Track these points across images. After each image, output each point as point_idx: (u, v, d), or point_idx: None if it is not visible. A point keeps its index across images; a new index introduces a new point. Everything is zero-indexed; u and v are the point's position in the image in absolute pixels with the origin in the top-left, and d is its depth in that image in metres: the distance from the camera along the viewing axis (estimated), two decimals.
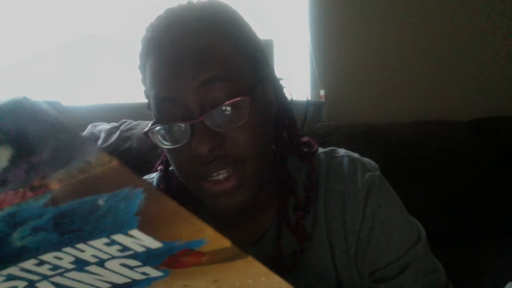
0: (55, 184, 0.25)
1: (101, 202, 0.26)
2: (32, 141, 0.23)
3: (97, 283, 0.33)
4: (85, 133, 1.06)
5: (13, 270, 0.31)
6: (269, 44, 1.29)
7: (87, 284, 0.33)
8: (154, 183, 0.66)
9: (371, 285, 0.59)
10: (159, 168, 0.65)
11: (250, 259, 0.32)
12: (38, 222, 0.27)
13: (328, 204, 0.59)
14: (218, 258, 0.32)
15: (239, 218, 0.59)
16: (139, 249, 0.30)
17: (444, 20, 1.62)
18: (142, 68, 0.55)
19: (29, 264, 0.31)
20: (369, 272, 0.58)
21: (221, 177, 0.50)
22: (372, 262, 0.58)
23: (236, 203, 0.52)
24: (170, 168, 0.63)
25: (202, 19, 0.51)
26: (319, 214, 0.59)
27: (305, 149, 0.62)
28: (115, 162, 0.24)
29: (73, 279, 0.33)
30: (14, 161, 0.23)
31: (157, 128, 0.50)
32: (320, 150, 0.64)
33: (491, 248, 1.14)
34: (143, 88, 0.57)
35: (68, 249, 0.30)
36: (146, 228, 0.29)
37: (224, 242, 0.30)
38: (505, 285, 0.52)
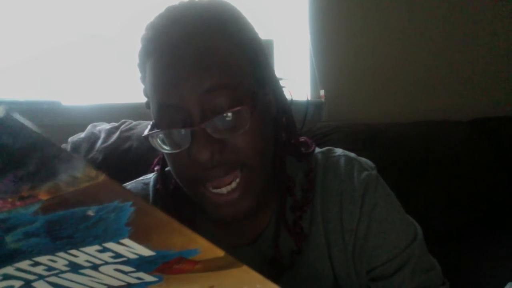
0: (43, 195, 0.25)
1: (91, 213, 0.27)
2: (16, 156, 0.23)
3: (93, 285, 0.33)
4: (85, 133, 1.06)
5: (8, 270, 0.31)
6: (269, 44, 1.29)
7: (83, 285, 0.33)
8: (151, 183, 0.66)
9: (368, 283, 0.60)
10: (155, 168, 0.65)
11: (245, 267, 0.32)
12: (29, 228, 0.27)
13: (325, 203, 0.59)
14: (212, 266, 0.32)
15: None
16: (132, 256, 0.31)
17: (444, 20, 1.62)
18: (142, 67, 0.54)
19: (24, 264, 0.31)
20: (367, 270, 0.59)
21: (224, 190, 0.50)
22: (369, 261, 0.58)
23: (239, 212, 0.52)
24: (167, 169, 0.63)
25: (204, 19, 0.50)
26: (316, 213, 0.59)
27: (303, 149, 0.62)
28: (102, 177, 0.24)
29: (69, 280, 0.33)
30: (0, 173, 0.24)
31: (157, 132, 0.50)
32: (317, 150, 0.64)
33: (491, 248, 1.14)
34: (142, 86, 0.57)
35: (62, 254, 0.30)
36: (138, 238, 0.29)
37: (218, 252, 0.30)
38: (505, 285, 0.52)
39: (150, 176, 0.67)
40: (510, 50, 1.68)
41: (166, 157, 0.54)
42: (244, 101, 0.48)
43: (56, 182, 0.24)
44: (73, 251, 0.30)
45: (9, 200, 0.25)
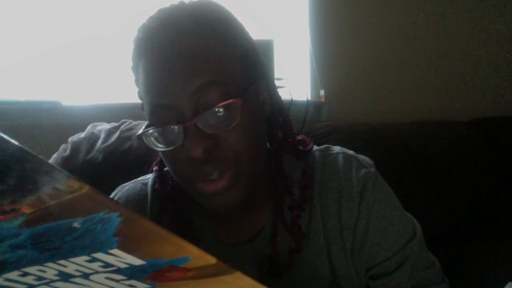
0: (26, 209, 0.24)
1: (76, 224, 0.26)
2: None
3: None
4: (85, 133, 1.06)
5: None
6: (269, 44, 1.29)
7: None
8: (149, 183, 0.66)
9: (368, 281, 0.60)
10: (154, 169, 0.66)
11: (238, 274, 0.32)
12: (15, 241, 0.27)
13: (323, 201, 0.59)
14: (205, 273, 0.32)
15: (235, 215, 0.59)
16: (122, 265, 0.30)
17: (444, 20, 1.62)
18: (135, 69, 0.55)
19: (13, 275, 0.30)
20: (366, 268, 0.59)
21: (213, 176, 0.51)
22: (368, 258, 0.58)
23: (228, 203, 0.52)
24: (166, 169, 0.63)
25: (193, 19, 0.51)
26: (315, 211, 0.59)
27: (300, 147, 0.62)
28: (86, 189, 0.24)
29: None
30: None
31: (151, 131, 0.50)
32: (315, 147, 0.64)
33: (491, 248, 1.14)
34: (137, 89, 0.57)
35: (50, 264, 0.30)
36: (127, 248, 0.29)
37: (209, 260, 0.30)
38: (505, 285, 0.52)
39: (149, 176, 0.68)
40: (510, 50, 1.68)
41: (162, 156, 0.55)
42: (235, 96, 0.49)
43: (39, 195, 0.24)
44: (62, 262, 0.30)
45: None
